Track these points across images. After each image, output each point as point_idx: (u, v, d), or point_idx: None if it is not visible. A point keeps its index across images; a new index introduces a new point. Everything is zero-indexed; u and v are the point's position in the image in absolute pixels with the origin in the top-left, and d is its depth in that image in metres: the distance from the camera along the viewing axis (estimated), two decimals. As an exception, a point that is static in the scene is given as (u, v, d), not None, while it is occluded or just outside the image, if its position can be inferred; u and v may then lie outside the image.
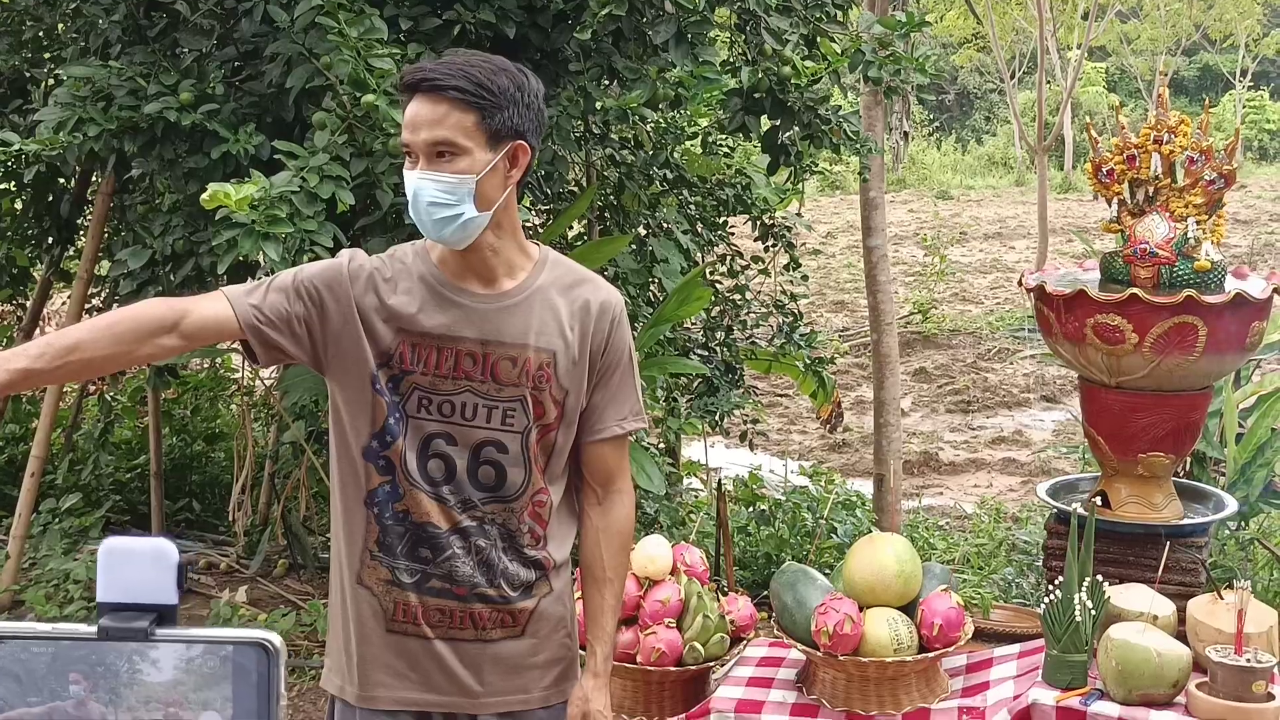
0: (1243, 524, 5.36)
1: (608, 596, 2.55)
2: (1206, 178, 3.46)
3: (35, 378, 2.21)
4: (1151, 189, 3.53)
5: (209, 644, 1.20)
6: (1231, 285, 3.45)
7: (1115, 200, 3.59)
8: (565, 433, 2.46)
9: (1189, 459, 4.98)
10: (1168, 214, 3.49)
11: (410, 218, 2.36)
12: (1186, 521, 3.54)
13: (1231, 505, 3.69)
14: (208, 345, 2.54)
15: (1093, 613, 3.04)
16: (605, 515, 2.55)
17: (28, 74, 5.63)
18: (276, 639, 1.19)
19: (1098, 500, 3.56)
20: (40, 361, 2.17)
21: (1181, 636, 3.07)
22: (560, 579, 2.53)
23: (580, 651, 2.61)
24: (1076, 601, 3.03)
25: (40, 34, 5.63)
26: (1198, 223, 3.45)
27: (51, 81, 5.50)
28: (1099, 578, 3.11)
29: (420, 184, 2.29)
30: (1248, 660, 2.88)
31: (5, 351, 2.17)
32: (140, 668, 1.19)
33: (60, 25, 5.47)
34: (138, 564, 1.20)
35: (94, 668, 1.18)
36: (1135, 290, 3.34)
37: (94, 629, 1.19)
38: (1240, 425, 5.35)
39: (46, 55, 5.71)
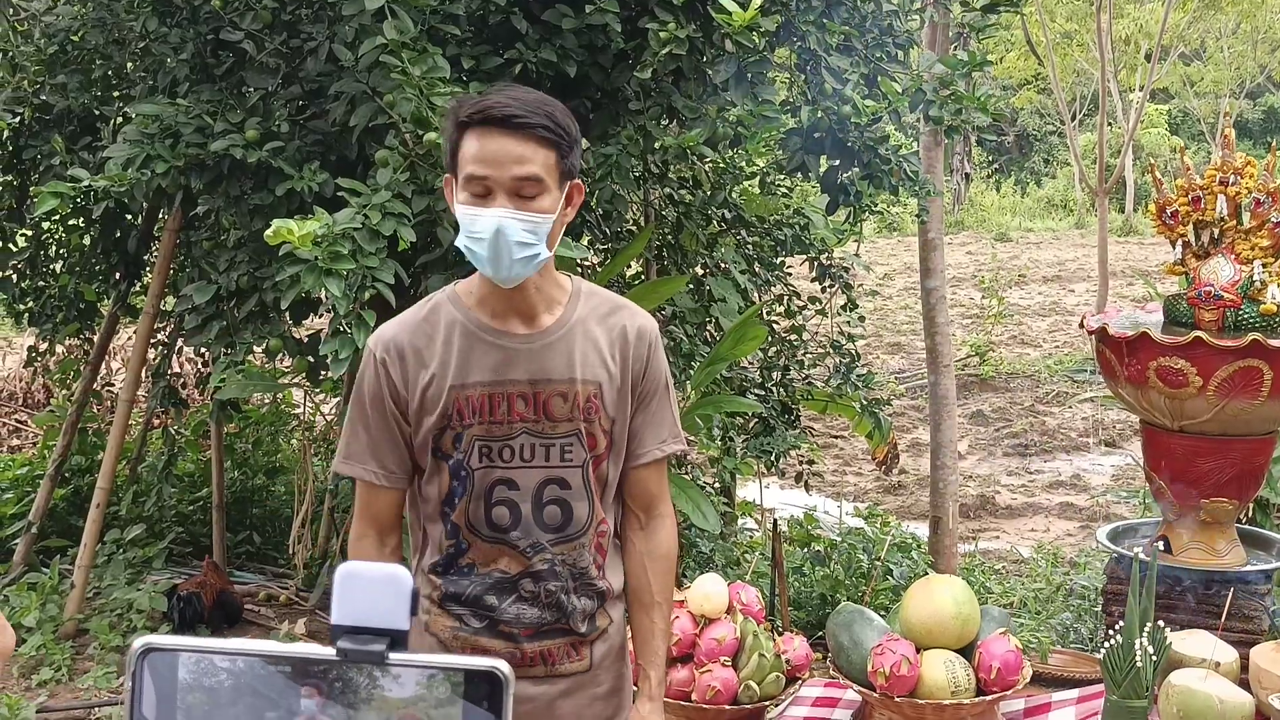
0: (1308, 572, 5.25)
1: (657, 620, 2.55)
2: (1273, 220, 3.42)
3: None
4: (1216, 231, 3.50)
5: (443, 670, 1.23)
6: (1298, 328, 3.41)
7: (1179, 242, 3.56)
8: (614, 461, 2.47)
9: (1252, 505, 4.90)
10: (1233, 256, 3.46)
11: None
12: (1249, 568, 3.49)
13: (1296, 552, 3.63)
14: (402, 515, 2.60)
15: (1154, 659, 3.00)
16: (649, 540, 2.56)
17: (97, 111, 5.73)
18: (506, 668, 1.21)
19: (1160, 545, 3.52)
20: None
21: (1244, 684, 3.02)
22: (618, 609, 2.55)
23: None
24: (1138, 647, 2.99)
25: (109, 72, 5.72)
26: (1264, 265, 3.42)
27: (120, 119, 5.60)
28: (1160, 623, 3.07)
29: (508, 223, 2.25)
30: (1315, 710, 2.83)
31: None
32: (381, 684, 1.23)
33: (129, 64, 5.57)
34: (373, 589, 1.21)
35: (332, 684, 1.21)
36: (1199, 333, 3.31)
37: (333, 651, 1.21)
38: (1306, 471, 5.25)
39: (115, 94, 5.80)
